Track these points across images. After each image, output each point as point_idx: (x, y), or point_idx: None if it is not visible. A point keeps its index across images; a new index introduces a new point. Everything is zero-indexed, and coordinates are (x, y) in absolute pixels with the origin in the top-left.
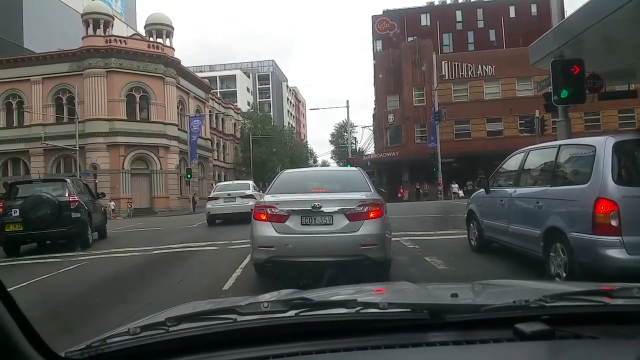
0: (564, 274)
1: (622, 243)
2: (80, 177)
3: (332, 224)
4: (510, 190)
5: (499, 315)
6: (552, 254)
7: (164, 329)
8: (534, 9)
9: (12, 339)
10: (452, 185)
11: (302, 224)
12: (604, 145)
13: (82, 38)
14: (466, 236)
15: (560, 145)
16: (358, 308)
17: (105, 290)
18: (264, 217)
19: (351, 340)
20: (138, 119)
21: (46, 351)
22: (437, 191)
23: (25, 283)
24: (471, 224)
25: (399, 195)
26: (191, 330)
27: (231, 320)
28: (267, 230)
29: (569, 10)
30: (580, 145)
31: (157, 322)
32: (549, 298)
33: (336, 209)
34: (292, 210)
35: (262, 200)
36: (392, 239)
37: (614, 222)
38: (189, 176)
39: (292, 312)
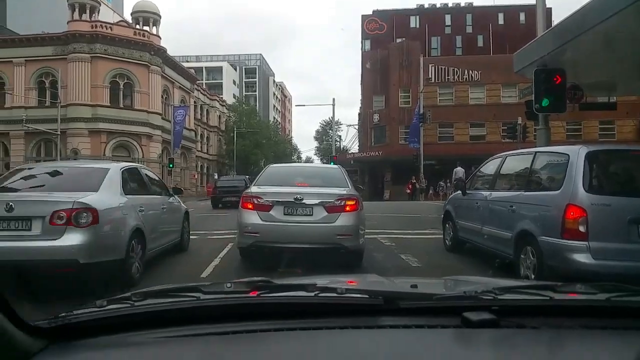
0: (533, 276)
1: (589, 248)
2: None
3: (312, 214)
4: (486, 193)
5: (448, 304)
6: (522, 256)
7: (129, 303)
8: (522, 17)
9: None
10: None
11: (284, 214)
12: (577, 154)
13: (68, 22)
14: (442, 236)
15: (536, 152)
16: (317, 292)
17: (75, 278)
18: (250, 206)
19: (308, 322)
20: (121, 106)
21: (16, 319)
22: (438, 187)
23: None
24: (447, 225)
25: (408, 191)
26: (155, 305)
27: (195, 298)
28: (252, 217)
29: (557, 20)
30: (554, 153)
31: (124, 297)
32: (498, 290)
33: (316, 201)
34: (276, 201)
35: (249, 190)
36: (370, 237)
37: (582, 228)
38: (171, 166)
39: (254, 293)
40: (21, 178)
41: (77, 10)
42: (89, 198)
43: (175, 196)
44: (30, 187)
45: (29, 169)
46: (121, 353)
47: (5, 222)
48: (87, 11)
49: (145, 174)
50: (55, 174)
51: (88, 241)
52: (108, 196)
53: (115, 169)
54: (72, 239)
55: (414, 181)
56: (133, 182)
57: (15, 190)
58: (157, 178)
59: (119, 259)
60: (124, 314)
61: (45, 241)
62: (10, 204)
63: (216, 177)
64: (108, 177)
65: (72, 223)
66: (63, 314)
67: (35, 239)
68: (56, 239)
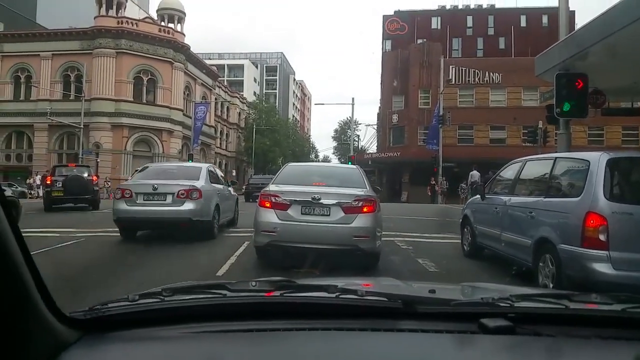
0: (551, 285)
1: (609, 258)
2: (82, 155)
3: (329, 215)
4: (505, 198)
5: (466, 310)
6: (541, 264)
7: (159, 298)
8: (545, 19)
9: (28, 294)
10: None
11: (302, 213)
12: (597, 160)
13: (94, 17)
14: (460, 241)
15: (556, 157)
16: (338, 293)
17: (97, 270)
18: (267, 205)
19: (329, 322)
20: (144, 101)
21: (55, 309)
22: (459, 190)
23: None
24: (465, 229)
25: (429, 193)
26: (184, 301)
27: (221, 295)
28: (270, 216)
29: (581, 23)
30: (575, 159)
31: (154, 292)
32: (514, 297)
33: (334, 201)
34: (294, 200)
35: (267, 189)
36: (387, 239)
37: (602, 237)
38: (190, 161)
39: (277, 292)
40: (151, 172)
41: (104, 5)
42: (197, 183)
43: (232, 187)
44: (161, 177)
45: (154, 167)
46: (151, 346)
47: (152, 195)
48: (114, 7)
49: (217, 171)
50: (172, 169)
51: (196, 208)
52: (204, 183)
53: (205, 167)
54: (189, 206)
55: (433, 183)
56: (212, 175)
57: (153, 178)
58: (222, 174)
59: (209, 220)
60: (154, 309)
61: (174, 207)
62: (155, 185)
63: (234, 174)
64: (202, 172)
65: (188, 197)
66: (98, 307)
67: (168, 205)
68: (180, 206)
